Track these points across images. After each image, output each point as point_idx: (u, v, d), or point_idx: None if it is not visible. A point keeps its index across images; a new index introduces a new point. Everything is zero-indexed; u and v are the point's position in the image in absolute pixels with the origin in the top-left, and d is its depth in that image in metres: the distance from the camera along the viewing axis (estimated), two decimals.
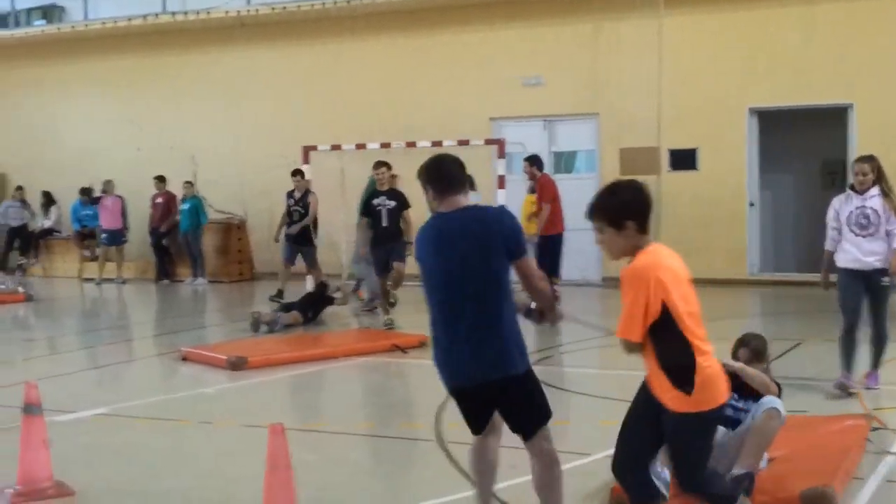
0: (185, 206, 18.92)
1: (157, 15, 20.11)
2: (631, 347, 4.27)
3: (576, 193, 16.28)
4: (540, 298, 4.87)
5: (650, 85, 16.68)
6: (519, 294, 4.85)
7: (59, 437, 6.55)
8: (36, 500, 5.89)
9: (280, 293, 14.92)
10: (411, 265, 6.53)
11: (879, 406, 7.63)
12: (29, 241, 21.70)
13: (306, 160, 17.23)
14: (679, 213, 16.74)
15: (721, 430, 5.25)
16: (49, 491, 6.01)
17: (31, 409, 6.09)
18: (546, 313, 4.98)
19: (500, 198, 16.23)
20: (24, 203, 21.75)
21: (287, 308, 13.09)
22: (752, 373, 5.54)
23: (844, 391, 8.11)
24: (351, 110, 18.77)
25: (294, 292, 14.43)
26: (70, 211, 20.83)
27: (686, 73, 16.81)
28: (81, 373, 10.40)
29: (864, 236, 8.09)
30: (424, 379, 10.06)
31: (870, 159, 8.22)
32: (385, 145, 16.80)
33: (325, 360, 10.19)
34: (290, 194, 15.31)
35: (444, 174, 4.86)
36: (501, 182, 16.35)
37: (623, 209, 4.36)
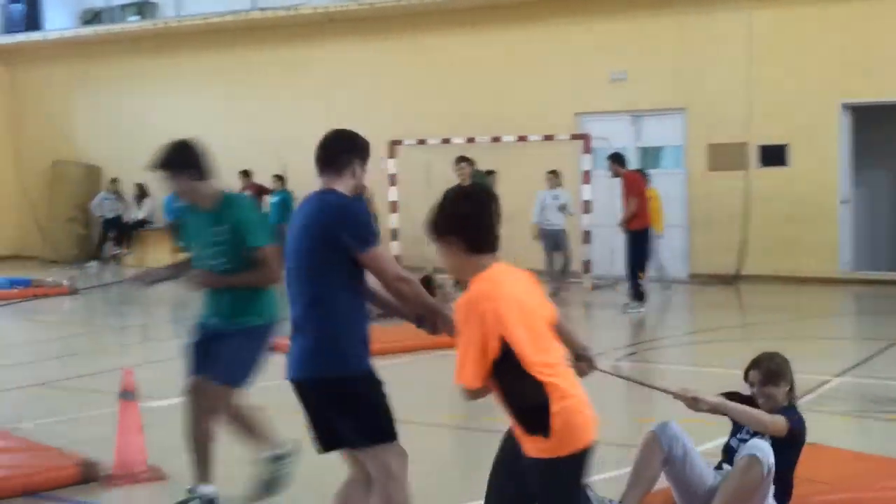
0: (275, 200, 19.20)
1: (247, 11, 20.44)
2: (472, 394, 3.65)
3: (662, 189, 16.24)
4: (402, 301, 4.39)
5: (739, 79, 16.44)
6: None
7: (153, 422, 6.72)
8: (130, 484, 6.05)
9: None
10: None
11: None
12: (122, 232, 22.28)
13: (392, 155, 17.38)
14: (768, 210, 16.49)
15: (714, 473, 4.93)
16: (143, 475, 6.17)
17: (127, 394, 6.27)
18: (426, 319, 4.43)
19: (586, 193, 16.19)
20: (118, 195, 22.32)
21: None
22: (735, 408, 4.86)
23: None
24: (437, 105, 18.84)
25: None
26: (163, 203, 21.31)
27: (777, 67, 16.51)
28: (175, 360, 10.62)
29: None
30: None
31: None
32: (470, 140, 16.85)
33: (408, 351, 10.27)
34: None
35: (318, 153, 4.47)
36: (587, 177, 16.29)
37: (446, 222, 3.78)
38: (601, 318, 13.96)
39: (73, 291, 16.05)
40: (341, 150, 4.46)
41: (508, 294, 3.64)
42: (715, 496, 4.72)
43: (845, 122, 16.54)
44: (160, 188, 22.21)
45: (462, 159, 13.00)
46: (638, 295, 13.53)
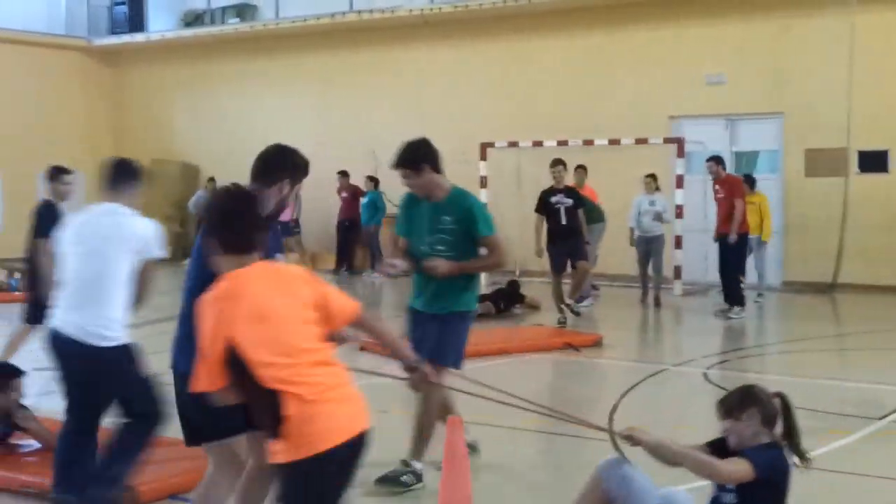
0: (366, 201, 19.42)
1: (344, 14, 20.71)
2: (217, 396, 3.62)
3: None
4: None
5: (840, 84, 16.09)
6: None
7: None
8: None
9: None
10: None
11: None
12: None
13: (484, 156, 17.43)
14: (867, 217, 16.11)
15: None
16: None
17: None
18: None
19: (679, 198, 16.02)
20: None
21: (480, 299, 13.29)
22: (679, 452, 4.22)
23: None
24: (529, 107, 18.84)
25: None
26: None
27: (879, 72, 16.12)
28: None
29: None
30: (598, 378, 10.07)
31: None
32: (562, 143, 16.80)
33: (499, 355, 10.31)
34: None
35: (254, 163, 4.63)
36: (680, 181, 16.11)
37: (208, 225, 3.85)
38: (692, 325, 13.81)
39: None
40: (276, 166, 4.55)
41: (250, 294, 3.56)
42: None
43: None
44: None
45: (558, 162, 12.95)
46: (739, 299, 13.40)
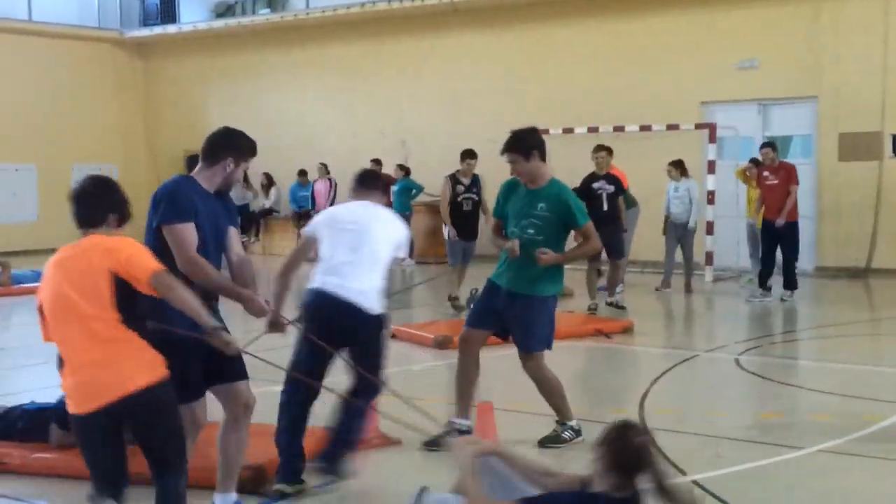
0: (396, 188, 19.45)
1: (374, 3, 20.73)
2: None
3: None
4: (194, 281, 4.83)
5: (874, 67, 15.92)
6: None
7: None
8: (363, 450, 6.14)
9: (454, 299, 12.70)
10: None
11: None
12: (250, 221, 22.84)
13: None
14: None
15: None
16: (375, 441, 6.44)
17: None
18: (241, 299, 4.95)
19: (710, 183, 15.92)
20: (247, 184, 22.88)
21: None
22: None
23: None
24: (559, 94, 18.78)
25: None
26: (288, 192, 21.80)
27: None
28: None
29: None
30: (628, 365, 10.05)
31: None
32: (592, 130, 16.74)
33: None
34: (455, 179, 12.79)
35: (202, 144, 5.06)
36: (711, 167, 16.03)
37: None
38: (723, 311, 13.74)
39: None
40: (221, 146, 4.99)
41: (54, 261, 4.25)
42: None
43: None
44: (286, 178, 22.51)
45: (601, 148, 12.86)
46: (794, 283, 13.38)
